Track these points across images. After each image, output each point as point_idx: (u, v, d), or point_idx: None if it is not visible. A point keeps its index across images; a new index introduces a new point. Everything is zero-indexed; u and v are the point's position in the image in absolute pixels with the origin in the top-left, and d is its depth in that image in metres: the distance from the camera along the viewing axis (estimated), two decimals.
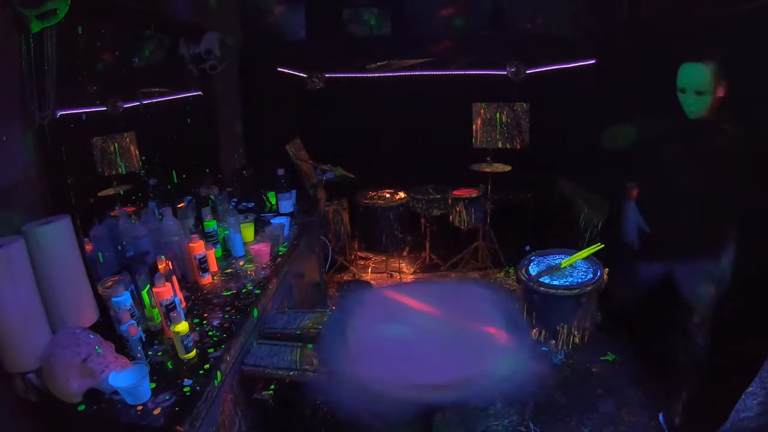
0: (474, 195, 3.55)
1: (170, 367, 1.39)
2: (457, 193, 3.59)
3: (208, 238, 2.07)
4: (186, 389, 1.29)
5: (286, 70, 3.88)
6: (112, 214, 1.94)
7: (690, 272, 1.89)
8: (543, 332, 2.53)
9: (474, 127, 3.58)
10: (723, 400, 1.57)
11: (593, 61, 3.36)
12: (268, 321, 1.90)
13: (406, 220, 3.71)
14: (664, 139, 1.91)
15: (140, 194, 2.16)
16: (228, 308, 1.70)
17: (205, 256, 1.88)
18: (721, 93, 1.69)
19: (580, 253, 2.61)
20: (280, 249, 2.23)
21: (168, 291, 1.48)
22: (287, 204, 2.69)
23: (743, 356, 1.54)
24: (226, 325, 1.60)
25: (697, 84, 1.72)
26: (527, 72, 3.55)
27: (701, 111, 1.74)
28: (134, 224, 1.92)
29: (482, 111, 3.54)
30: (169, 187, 2.35)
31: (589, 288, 2.38)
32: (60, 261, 1.38)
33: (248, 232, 2.29)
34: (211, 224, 2.09)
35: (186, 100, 2.73)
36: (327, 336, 1.65)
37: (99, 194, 1.92)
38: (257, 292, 1.82)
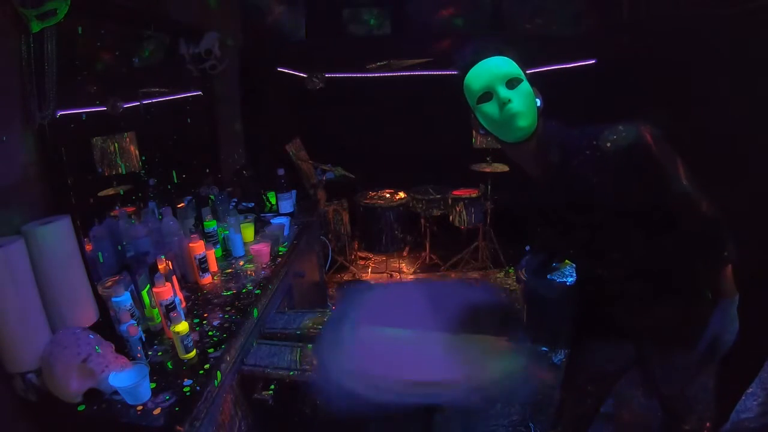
0: (474, 195, 3.55)
1: (170, 367, 1.39)
2: (457, 193, 3.59)
3: (208, 238, 2.07)
4: (186, 389, 1.29)
5: (286, 70, 3.88)
6: (112, 214, 1.94)
7: None
8: (543, 332, 2.53)
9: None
10: (724, 401, 1.57)
11: (593, 61, 3.37)
12: (268, 321, 1.90)
13: (406, 220, 3.71)
14: None
15: (140, 194, 2.16)
16: (228, 308, 1.70)
17: (205, 256, 1.88)
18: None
19: None
20: (280, 249, 2.23)
21: (168, 291, 1.48)
22: (287, 204, 2.69)
23: (743, 357, 1.54)
24: (226, 325, 1.60)
25: (506, 70, 1.20)
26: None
27: (529, 118, 1.17)
28: (134, 224, 1.92)
29: None
30: (169, 187, 2.35)
31: None
32: (60, 261, 1.38)
33: (248, 232, 2.29)
34: (211, 224, 2.09)
35: (186, 100, 2.73)
36: (325, 337, 1.65)
37: (99, 194, 1.92)
38: (257, 292, 1.82)
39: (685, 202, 1.14)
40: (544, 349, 2.54)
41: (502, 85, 1.16)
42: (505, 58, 1.21)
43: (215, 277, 1.96)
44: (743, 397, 1.45)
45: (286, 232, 2.38)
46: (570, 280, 2.47)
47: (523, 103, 1.15)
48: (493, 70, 1.18)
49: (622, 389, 2.33)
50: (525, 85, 1.19)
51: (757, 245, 1.58)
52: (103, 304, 1.51)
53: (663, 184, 1.13)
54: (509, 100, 1.13)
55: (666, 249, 1.21)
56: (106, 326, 1.46)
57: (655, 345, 1.34)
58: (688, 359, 1.27)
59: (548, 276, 2.52)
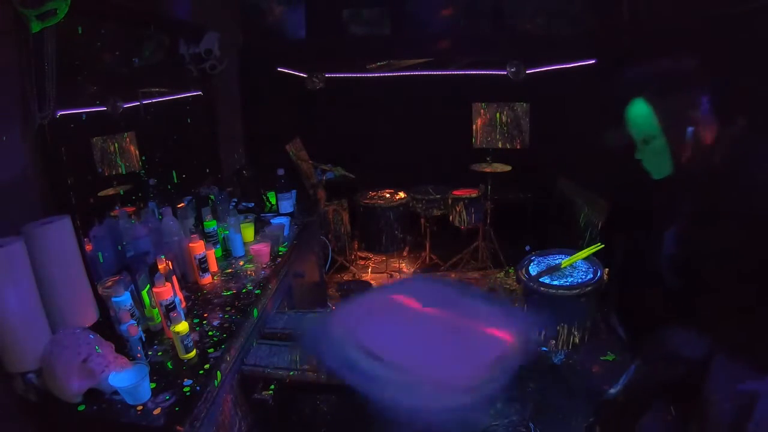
0: (474, 195, 3.55)
1: (170, 367, 1.39)
2: (457, 193, 3.59)
3: (208, 238, 2.07)
4: (186, 389, 1.29)
5: (286, 70, 3.88)
6: (112, 214, 1.94)
7: None
8: (543, 332, 2.54)
9: (474, 127, 3.58)
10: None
11: (593, 61, 3.37)
12: (268, 321, 1.90)
13: (406, 220, 3.72)
14: None
15: (140, 194, 2.16)
16: (228, 308, 1.70)
17: (205, 256, 1.88)
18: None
19: (580, 253, 2.61)
20: (280, 249, 2.23)
21: (168, 291, 1.48)
22: (287, 204, 2.69)
23: (743, 354, 1.53)
24: (226, 325, 1.60)
25: (641, 128, 1.26)
26: (527, 72, 3.56)
27: (662, 166, 1.27)
28: (134, 224, 1.92)
29: (482, 111, 3.54)
30: (169, 187, 2.35)
31: (589, 288, 2.38)
32: (60, 261, 1.37)
33: (248, 232, 2.29)
34: (211, 224, 2.09)
35: (186, 100, 2.73)
36: (310, 335, 1.65)
37: (99, 194, 1.92)
38: (257, 292, 1.82)
39: None
40: (544, 349, 2.54)
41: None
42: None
43: (215, 277, 1.96)
44: None
45: (286, 232, 2.38)
46: (570, 280, 2.47)
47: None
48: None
49: None
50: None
51: (755, 245, 1.58)
52: (103, 304, 1.51)
53: None
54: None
55: None
56: (106, 326, 1.46)
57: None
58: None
59: (548, 276, 2.52)
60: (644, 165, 1.31)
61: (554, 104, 3.28)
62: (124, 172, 2.04)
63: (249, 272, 2.00)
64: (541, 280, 2.48)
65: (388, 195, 3.71)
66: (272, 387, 1.61)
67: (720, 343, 1.28)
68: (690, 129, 1.19)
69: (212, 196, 2.45)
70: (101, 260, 1.74)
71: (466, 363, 1.41)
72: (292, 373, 1.59)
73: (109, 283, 1.65)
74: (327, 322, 1.65)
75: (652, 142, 1.25)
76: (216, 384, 1.39)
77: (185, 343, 1.40)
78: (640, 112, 1.25)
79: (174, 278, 1.62)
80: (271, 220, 2.47)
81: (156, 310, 1.53)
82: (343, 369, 1.39)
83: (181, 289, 1.74)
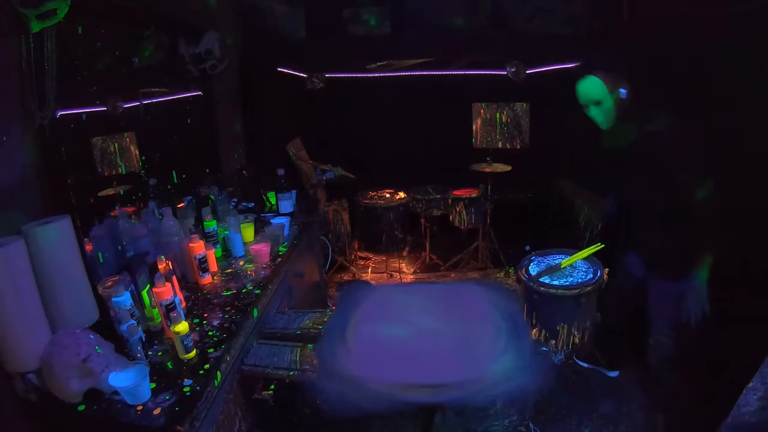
0: (474, 195, 3.55)
1: (170, 367, 1.39)
2: (457, 193, 3.59)
3: (208, 238, 2.07)
4: (186, 389, 1.29)
5: (286, 70, 3.88)
6: (112, 214, 1.94)
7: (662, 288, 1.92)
8: (543, 332, 2.53)
9: (474, 127, 3.58)
10: (724, 395, 1.58)
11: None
12: (268, 321, 1.90)
13: (406, 220, 3.71)
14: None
15: (140, 194, 2.16)
16: (228, 308, 1.70)
17: (205, 256, 1.88)
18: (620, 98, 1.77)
19: (580, 253, 2.61)
20: (280, 249, 2.23)
21: (168, 291, 1.48)
22: (287, 204, 2.69)
23: (744, 352, 1.54)
24: (226, 325, 1.60)
25: (592, 95, 1.82)
26: (527, 72, 3.56)
27: (609, 121, 1.85)
28: (134, 224, 1.92)
29: (482, 111, 3.54)
30: (169, 187, 2.35)
31: (589, 288, 2.38)
32: (60, 261, 1.38)
33: (248, 232, 2.29)
34: (211, 224, 2.09)
35: (186, 100, 2.73)
36: (326, 337, 1.65)
37: (99, 194, 1.92)
38: (257, 292, 1.82)
39: None
40: (545, 349, 2.54)
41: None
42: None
43: (215, 277, 1.96)
44: (744, 392, 1.45)
45: (286, 232, 2.38)
46: (570, 280, 2.47)
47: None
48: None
49: (622, 389, 2.33)
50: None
51: (757, 244, 1.58)
52: (103, 304, 1.51)
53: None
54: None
55: None
56: (106, 326, 1.46)
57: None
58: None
59: (548, 276, 2.52)
60: (595, 119, 1.87)
61: (554, 104, 3.27)
62: (124, 172, 2.03)
63: (249, 272, 2.00)
64: (541, 280, 2.48)
65: (388, 195, 3.71)
66: (272, 387, 1.61)
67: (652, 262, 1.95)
68: (623, 92, 1.78)
69: (212, 196, 2.45)
70: (101, 260, 1.74)
71: (467, 363, 1.41)
72: (292, 373, 1.59)
73: (109, 283, 1.65)
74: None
75: (603, 103, 1.82)
76: (216, 384, 1.39)
77: (185, 343, 1.40)
78: (594, 83, 1.81)
79: (174, 278, 1.62)
80: (271, 220, 2.47)
81: (156, 310, 1.53)
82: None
83: (181, 289, 1.74)
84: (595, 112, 1.86)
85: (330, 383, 1.46)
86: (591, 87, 1.82)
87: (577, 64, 3.24)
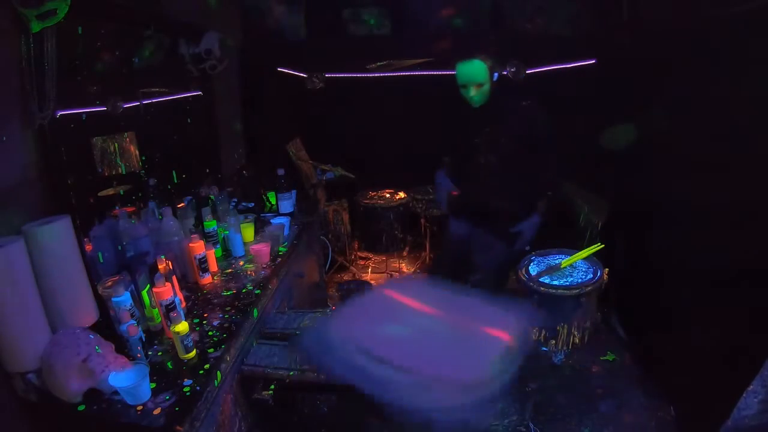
0: None
1: (170, 367, 1.39)
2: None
3: (208, 238, 2.07)
4: (186, 389, 1.29)
5: (286, 70, 3.88)
6: (112, 214, 1.94)
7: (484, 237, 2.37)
8: (543, 332, 2.53)
9: None
10: (724, 398, 1.58)
11: (593, 61, 3.36)
12: (268, 321, 1.90)
13: (406, 220, 3.71)
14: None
15: (140, 194, 2.15)
16: (228, 308, 1.70)
17: (205, 256, 1.88)
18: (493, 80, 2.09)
19: (580, 253, 2.61)
20: (280, 249, 2.23)
21: (168, 291, 1.48)
22: (287, 204, 2.69)
23: (744, 355, 1.54)
24: (226, 325, 1.60)
25: (476, 78, 2.08)
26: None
27: (483, 100, 2.14)
28: (134, 224, 1.92)
29: None
30: (169, 187, 2.35)
31: (589, 288, 2.38)
32: (60, 261, 1.38)
33: (248, 232, 2.29)
34: (211, 224, 2.09)
35: (186, 100, 2.73)
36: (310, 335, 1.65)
37: (99, 194, 1.92)
38: (257, 292, 1.82)
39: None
40: (545, 349, 2.54)
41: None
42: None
43: (215, 277, 1.96)
44: (744, 395, 1.45)
45: (286, 232, 2.38)
46: (570, 280, 2.47)
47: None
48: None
49: (623, 389, 2.33)
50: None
51: (756, 244, 1.58)
52: (103, 304, 1.51)
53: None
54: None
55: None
56: (106, 326, 1.46)
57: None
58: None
59: (548, 276, 2.52)
60: (473, 99, 2.15)
61: (554, 104, 3.27)
62: (124, 172, 2.03)
63: (249, 272, 2.00)
64: (541, 280, 2.48)
65: (388, 195, 3.70)
66: (272, 387, 1.61)
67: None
68: (496, 75, 2.13)
69: (212, 196, 2.45)
70: (101, 260, 1.74)
71: (467, 363, 1.41)
72: (292, 373, 1.59)
73: (109, 283, 1.65)
74: (326, 325, 1.64)
75: (484, 85, 2.10)
76: (216, 384, 1.39)
77: (185, 343, 1.40)
78: (479, 67, 2.07)
79: (174, 278, 1.62)
80: (271, 220, 2.47)
81: (156, 310, 1.53)
82: (348, 373, 1.39)
83: (181, 289, 1.74)
84: (474, 93, 2.11)
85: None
86: (476, 70, 2.07)
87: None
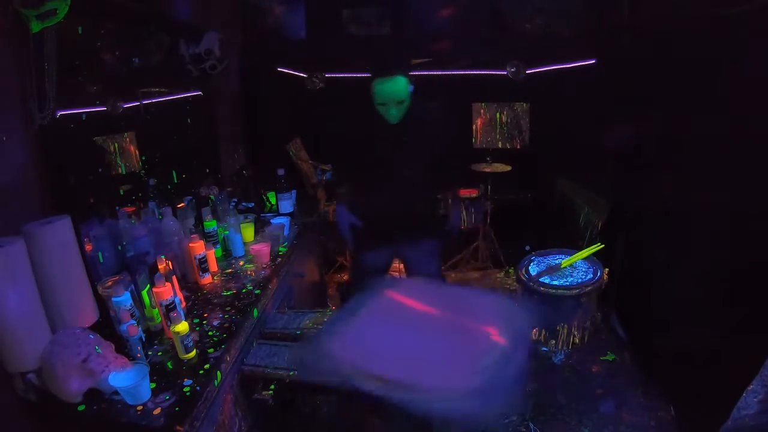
0: (474, 195, 3.55)
1: (170, 367, 1.39)
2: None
3: (208, 238, 2.07)
4: (186, 389, 1.29)
5: (286, 70, 3.88)
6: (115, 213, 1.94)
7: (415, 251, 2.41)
8: (543, 332, 2.53)
9: (474, 127, 3.58)
10: (724, 398, 1.57)
11: (593, 61, 3.37)
12: (268, 321, 1.90)
13: None
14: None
15: (140, 194, 2.16)
16: (228, 308, 1.70)
17: (205, 256, 1.88)
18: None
19: (580, 253, 2.61)
20: (280, 249, 2.23)
21: (168, 291, 1.48)
22: (287, 204, 2.69)
23: (744, 354, 1.54)
24: (226, 325, 1.60)
25: (399, 95, 2.01)
26: (527, 72, 3.56)
27: (401, 116, 2.09)
28: (134, 224, 1.92)
29: (482, 111, 3.54)
30: (169, 187, 2.35)
31: (589, 288, 2.38)
32: (60, 261, 1.37)
33: (248, 232, 2.29)
34: (211, 224, 2.09)
35: (186, 100, 2.73)
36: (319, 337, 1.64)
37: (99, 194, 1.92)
38: (257, 292, 1.82)
39: None
40: (545, 349, 2.54)
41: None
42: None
43: (215, 277, 1.96)
44: (744, 394, 1.45)
45: (286, 232, 2.38)
46: (570, 280, 2.47)
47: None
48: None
49: (623, 389, 2.33)
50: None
51: (756, 244, 1.58)
52: (103, 304, 1.51)
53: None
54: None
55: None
56: (106, 326, 1.46)
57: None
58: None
59: (548, 276, 2.52)
60: (393, 117, 2.11)
61: (554, 104, 3.27)
62: (124, 172, 2.04)
63: (249, 272, 2.00)
64: (541, 280, 2.48)
65: None
66: (272, 387, 1.61)
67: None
68: (411, 89, 2.05)
69: (212, 196, 2.45)
70: (101, 260, 1.74)
71: (467, 363, 1.41)
72: (292, 373, 1.59)
73: (109, 283, 1.65)
74: (325, 343, 1.61)
75: (404, 102, 2.05)
76: (216, 384, 1.39)
77: (185, 343, 1.40)
78: (401, 84, 2.00)
79: (174, 278, 1.62)
80: (271, 220, 2.47)
81: (156, 310, 1.53)
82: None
83: (181, 289, 1.74)
84: (394, 111, 2.05)
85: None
86: (399, 87, 1.99)
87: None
